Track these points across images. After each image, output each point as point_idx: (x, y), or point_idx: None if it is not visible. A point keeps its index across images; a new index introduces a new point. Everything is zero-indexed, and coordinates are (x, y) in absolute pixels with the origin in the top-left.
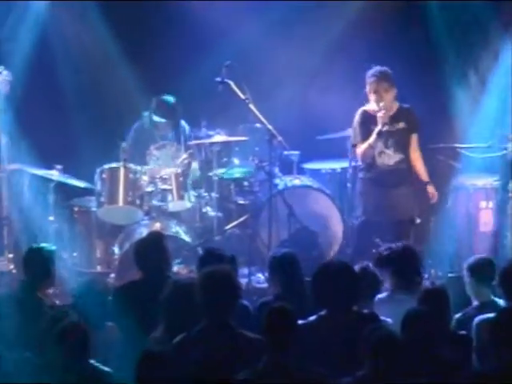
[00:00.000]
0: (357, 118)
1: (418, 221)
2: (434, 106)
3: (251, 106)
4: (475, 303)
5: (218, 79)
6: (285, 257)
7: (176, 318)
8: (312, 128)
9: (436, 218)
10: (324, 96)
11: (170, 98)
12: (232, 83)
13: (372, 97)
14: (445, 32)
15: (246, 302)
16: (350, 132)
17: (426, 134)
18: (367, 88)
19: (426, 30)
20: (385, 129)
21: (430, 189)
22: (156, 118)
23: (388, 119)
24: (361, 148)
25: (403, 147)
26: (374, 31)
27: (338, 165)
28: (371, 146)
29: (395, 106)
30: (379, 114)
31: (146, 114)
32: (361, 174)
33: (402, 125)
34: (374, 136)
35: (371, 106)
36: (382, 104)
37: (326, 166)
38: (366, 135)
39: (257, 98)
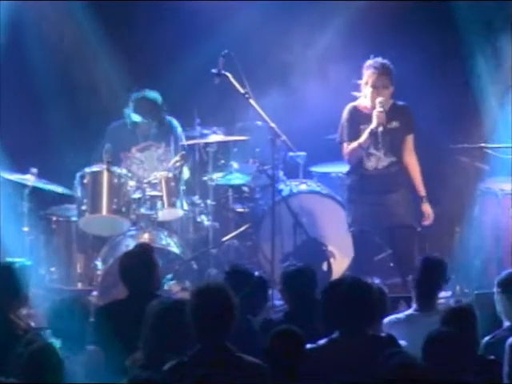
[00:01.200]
0: (345, 114)
1: (419, 229)
2: (457, 101)
3: (251, 102)
4: (507, 324)
5: (214, 71)
6: (300, 271)
7: (159, 340)
8: (320, 126)
9: (461, 227)
10: (334, 91)
11: (152, 94)
12: (230, 75)
13: (368, 91)
14: (471, 26)
15: (249, 316)
16: None
17: (448, 132)
18: (363, 79)
19: (450, 24)
20: (380, 129)
21: (425, 208)
22: (135, 118)
23: (385, 119)
24: (348, 148)
25: (396, 149)
26: (392, 22)
27: None
28: (361, 147)
29: (389, 103)
30: (376, 112)
31: (126, 111)
32: (347, 179)
33: (394, 124)
34: (365, 135)
35: (362, 100)
36: (379, 100)
37: (336, 169)
38: (354, 135)
39: (258, 93)
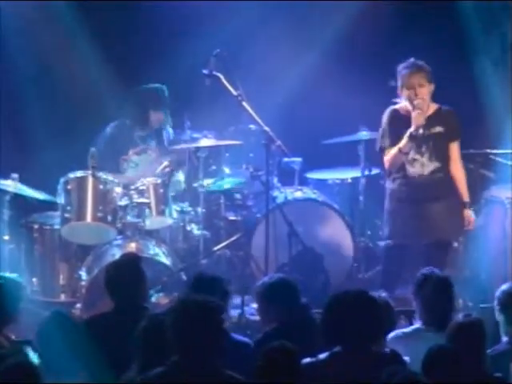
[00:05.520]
0: (385, 118)
1: (456, 244)
2: (462, 105)
3: (245, 104)
4: (505, 338)
5: (205, 71)
6: (282, 284)
7: (153, 356)
8: (317, 131)
9: (465, 237)
10: (331, 94)
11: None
12: (222, 76)
13: (404, 93)
14: (478, 28)
15: (247, 340)
16: (366, 135)
17: None
18: (398, 82)
19: (457, 27)
20: (420, 132)
21: (467, 213)
22: (155, 116)
23: (423, 121)
24: (389, 154)
25: (440, 154)
26: (393, 24)
27: (347, 174)
28: (402, 152)
29: (432, 107)
30: (413, 114)
31: (134, 111)
32: (389, 187)
33: (438, 129)
34: (405, 140)
35: (403, 104)
36: (416, 102)
37: (333, 175)
38: (395, 139)
39: (251, 95)
